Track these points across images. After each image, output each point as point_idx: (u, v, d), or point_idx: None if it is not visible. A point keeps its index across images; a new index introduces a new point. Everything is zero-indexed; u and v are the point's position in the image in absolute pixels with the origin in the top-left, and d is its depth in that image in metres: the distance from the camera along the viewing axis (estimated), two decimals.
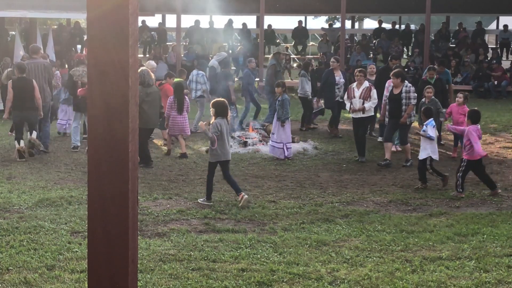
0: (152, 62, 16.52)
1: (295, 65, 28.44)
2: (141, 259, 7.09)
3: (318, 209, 9.51)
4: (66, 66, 20.99)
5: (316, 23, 38.37)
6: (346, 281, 6.61)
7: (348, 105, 13.36)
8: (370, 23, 38.74)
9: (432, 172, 10.87)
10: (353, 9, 28.85)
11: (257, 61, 22.97)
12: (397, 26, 30.80)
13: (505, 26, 28.84)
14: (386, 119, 13.01)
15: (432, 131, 10.80)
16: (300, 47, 29.74)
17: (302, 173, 12.21)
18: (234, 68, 25.20)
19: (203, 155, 13.48)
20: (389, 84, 13.35)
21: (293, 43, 30.22)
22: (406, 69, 22.94)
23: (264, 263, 7.10)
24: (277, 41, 30.52)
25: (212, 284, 6.51)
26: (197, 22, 27.93)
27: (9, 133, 15.20)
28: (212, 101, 10.24)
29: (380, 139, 14.39)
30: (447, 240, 7.99)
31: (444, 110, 13.64)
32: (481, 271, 6.91)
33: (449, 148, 14.31)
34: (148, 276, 6.70)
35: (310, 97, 16.71)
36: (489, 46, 29.09)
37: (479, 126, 10.51)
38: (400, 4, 29.60)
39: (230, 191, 10.44)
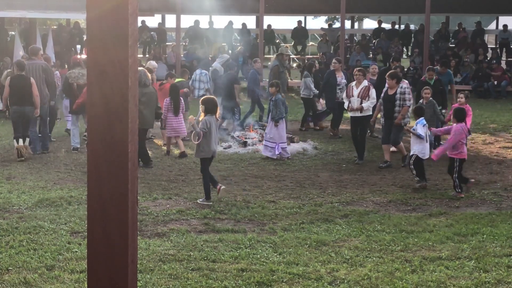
0: (153, 62, 16.56)
1: (294, 65, 28.44)
2: (140, 259, 7.09)
3: (318, 209, 9.51)
4: (66, 66, 20.98)
5: (316, 23, 38.35)
6: (345, 281, 6.61)
7: (346, 103, 13.38)
8: (369, 23, 38.75)
9: (412, 169, 10.86)
10: (352, 9, 28.87)
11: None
12: (396, 26, 30.82)
13: (505, 26, 28.84)
14: (382, 120, 13.07)
15: (421, 130, 10.82)
16: (299, 47, 29.72)
17: (302, 173, 12.21)
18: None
19: None
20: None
21: (292, 43, 30.21)
22: (406, 70, 22.94)
23: (264, 263, 7.10)
24: (277, 41, 30.52)
25: (211, 284, 6.51)
26: (196, 22, 27.94)
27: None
28: (202, 98, 10.36)
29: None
30: (446, 240, 7.99)
31: (444, 110, 13.64)
32: (481, 271, 6.91)
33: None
34: (148, 276, 6.70)
35: (311, 96, 16.73)
36: (488, 46, 29.10)
37: (464, 123, 10.58)
38: (400, 4, 29.61)
39: (230, 191, 10.45)
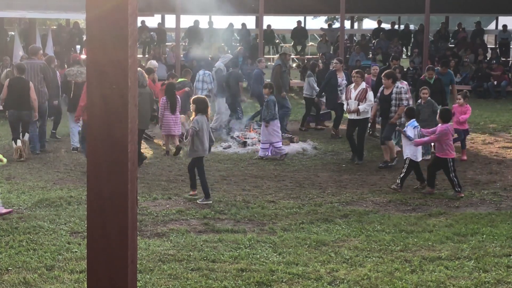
0: (154, 62, 16.58)
1: (294, 65, 28.43)
2: (140, 259, 7.09)
3: (318, 209, 9.51)
4: (66, 66, 20.98)
5: (315, 23, 38.35)
6: (345, 281, 6.62)
7: (345, 105, 13.40)
8: (369, 23, 38.75)
9: (401, 174, 10.85)
10: (352, 9, 28.89)
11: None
12: (396, 26, 30.80)
13: (504, 26, 28.84)
14: (378, 119, 13.11)
15: (411, 132, 10.80)
16: (299, 48, 29.73)
17: (302, 173, 12.21)
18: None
19: None
20: None
21: (292, 43, 30.21)
22: (405, 70, 22.93)
23: (264, 263, 7.10)
24: (277, 41, 30.52)
25: (211, 284, 6.51)
26: (196, 22, 27.94)
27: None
28: (193, 97, 10.42)
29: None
30: (446, 240, 7.99)
31: None
32: (480, 271, 6.91)
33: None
34: (148, 276, 6.70)
35: (313, 96, 16.76)
36: (488, 46, 29.10)
37: (450, 124, 10.63)
38: (399, 4, 29.61)
39: (229, 191, 10.45)
